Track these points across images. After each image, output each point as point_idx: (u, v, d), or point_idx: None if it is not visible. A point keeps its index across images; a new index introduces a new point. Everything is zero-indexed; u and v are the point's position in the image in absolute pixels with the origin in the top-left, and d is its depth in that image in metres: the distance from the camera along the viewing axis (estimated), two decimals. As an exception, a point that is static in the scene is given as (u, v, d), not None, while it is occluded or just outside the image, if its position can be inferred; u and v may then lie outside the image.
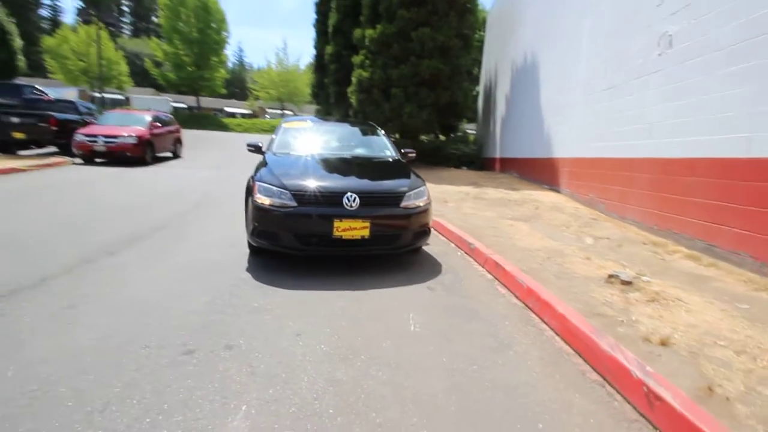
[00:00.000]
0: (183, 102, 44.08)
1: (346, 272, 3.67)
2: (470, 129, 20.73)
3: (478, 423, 1.78)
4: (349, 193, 3.49)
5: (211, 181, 9.04)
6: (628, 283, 3.45)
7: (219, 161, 13.40)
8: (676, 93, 4.79)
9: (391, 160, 4.74)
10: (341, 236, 3.44)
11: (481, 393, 1.99)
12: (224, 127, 32.33)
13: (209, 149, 17.24)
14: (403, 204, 3.69)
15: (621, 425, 1.83)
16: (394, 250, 3.73)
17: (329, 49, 16.43)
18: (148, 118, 12.27)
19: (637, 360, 2.08)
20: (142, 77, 45.03)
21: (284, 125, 5.13)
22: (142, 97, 37.79)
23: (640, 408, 1.90)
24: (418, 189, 3.90)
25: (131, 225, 4.92)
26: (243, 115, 45.24)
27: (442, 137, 16.06)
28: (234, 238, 4.55)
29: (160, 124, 12.70)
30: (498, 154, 12.67)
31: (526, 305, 3.11)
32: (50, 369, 2.00)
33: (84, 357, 2.12)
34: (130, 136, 10.96)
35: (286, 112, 47.83)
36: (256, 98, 45.74)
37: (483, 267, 4.02)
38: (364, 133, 5.44)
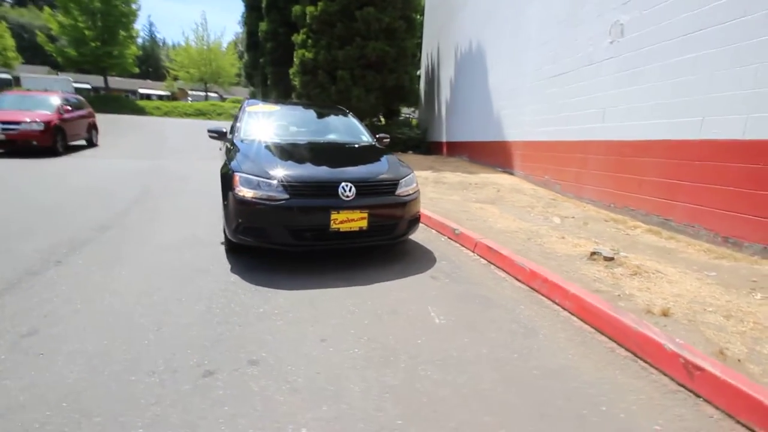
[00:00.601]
0: (87, 82, 38.83)
1: (340, 266, 3.47)
2: (407, 113, 20.83)
3: (548, 413, 1.76)
4: (344, 183, 3.27)
5: (146, 173, 8.08)
6: (610, 259, 3.68)
7: (146, 149, 12.04)
8: (630, 79, 5.16)
9: (369, 145, 4.55)
10: (338, 229, 3.23)
11: (534, 381, 1.98)
12: (140, 111, 29.20)
13: (130, 135, 15.45)
14: (398, 192, 3.56)
15: (667, 397, 1.92)
16: (391, 241, 3.60)
17: (263, 26, 15.39)
18: (56, 100, 10.61)
19: (665, 333, 2.21)
20: (32, 53, 38.81)
21: (248, 109, 4.67)
22: (36, 76, 32.33)
23: (678, 379, 2.01)
24: (409, 176, 3.79)
25: (67, 227, 4.20)
26: (160, 97, 41.15)
27: (382, 120, 15.94)
28: (201, 236, 4.10)
29: (70, 108, 11.03)
30: (445, 138, 12.90)
31: (531, 288, 3.18)
32: (39, 416, 1.60)
33: (78, 395, 1.73)
34: (35, 121, 9.39)
35: (211, 94, 44.40)
36: (175, 78, 41.69)
37: (473, 252, 4.05)
38: (335, 116, 5.15)
